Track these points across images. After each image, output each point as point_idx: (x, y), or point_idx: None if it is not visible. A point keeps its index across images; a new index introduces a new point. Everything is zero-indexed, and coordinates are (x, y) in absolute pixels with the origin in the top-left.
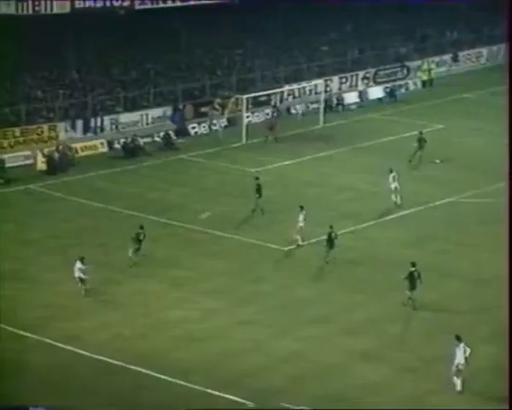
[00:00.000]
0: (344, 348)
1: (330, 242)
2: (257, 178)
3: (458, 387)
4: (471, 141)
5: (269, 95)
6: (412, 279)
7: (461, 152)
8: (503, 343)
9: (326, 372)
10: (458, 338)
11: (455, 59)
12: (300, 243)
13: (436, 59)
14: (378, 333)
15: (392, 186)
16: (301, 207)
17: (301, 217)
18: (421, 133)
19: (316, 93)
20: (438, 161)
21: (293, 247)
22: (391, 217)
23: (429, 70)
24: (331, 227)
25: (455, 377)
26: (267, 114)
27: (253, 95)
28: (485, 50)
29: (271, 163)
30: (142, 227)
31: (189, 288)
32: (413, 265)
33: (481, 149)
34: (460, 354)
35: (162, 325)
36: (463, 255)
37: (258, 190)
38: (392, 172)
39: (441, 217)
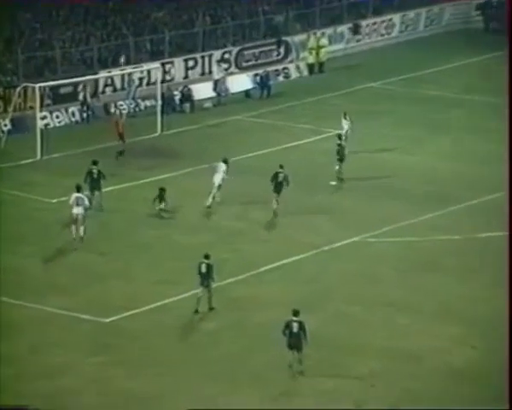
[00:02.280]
0: None
1: (203, 276)
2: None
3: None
4: (383, 153)
5: (75, 84)
6: (292, 334)
7: (369, 169)
8: None
9: None
10: None
11: (355, 31)
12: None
13: (328, 31)
14: None
15: (217, 182)
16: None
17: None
18: (281, 167)
19: (149, 84)
20: (334, 182)
21: (118, 316)
22: (268, 267)
23: (318, 48)
24: (206, 257)
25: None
26: (73, 115)
27: (49, 84)
28: (397, 18)
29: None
30: None
31: None
32: (295, 313)
33: (399, 163)
34: None
35: None
36: (376, 320)
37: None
38: (226, 162)
39: (341, 265)
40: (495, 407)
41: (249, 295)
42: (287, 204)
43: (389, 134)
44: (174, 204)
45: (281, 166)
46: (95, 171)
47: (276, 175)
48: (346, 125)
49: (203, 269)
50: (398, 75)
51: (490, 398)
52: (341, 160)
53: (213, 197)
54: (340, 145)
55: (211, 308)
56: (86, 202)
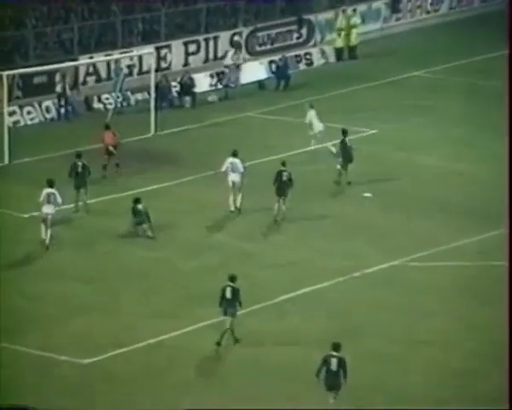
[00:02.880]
0: None
1: (228, 303)
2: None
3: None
4: (423, 157)
5: (51, 73)
6: (329, 372)
7: (406, 176)
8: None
9: None
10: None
11: (394, 7)
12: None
13: (361, 8)
14: None
15: (233, 179)
16: None
17: None
18: (283, 164)
19: (141, 72)
20: (368, 194)
21: (103, 356)
22: (286, 296)
23: (349, 28)
24: (232, 279)
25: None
26: (48, 110)
27: (19, 71)
28: None
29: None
30: None
31: None
32: (335, 348)
33: (443, 170)
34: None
35: None
36: (418, 361)
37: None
38: (235, 156)
39: (377, 294)
40: (495, 407)
41: (265, 331)
42: (305, 220)
43: (432, 134)
44: (170, 219)
45: (283, 164)
46: (79, 164)
47: (279, 174)
48: (314, 119)
49: (228, 294)
50: (447, 62)
51: None
52: (350, 160)
53: (240, 201)
54: (343, 143)
55: (236, 340)
56: (59, 200)
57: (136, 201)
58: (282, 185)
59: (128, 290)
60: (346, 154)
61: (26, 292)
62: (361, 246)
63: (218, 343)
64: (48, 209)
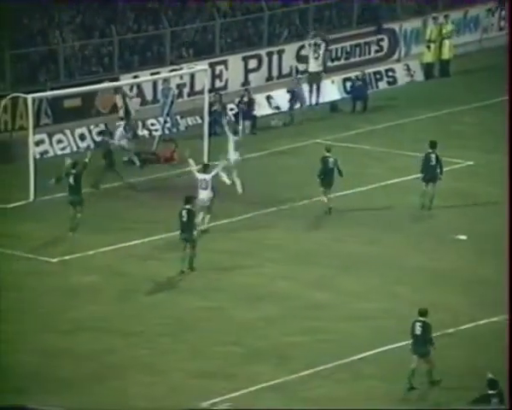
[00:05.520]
0: None
1: (417, 341)
2: None
3: None
4: None
5: (86, 95)
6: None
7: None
8: None
9: None
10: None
11: (498, 15)
12: None
13: (455, 15)
14: None
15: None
16: None
17: None
18: (328, 150)
19: (192, 93)
20: (462, 236)
21: None
22: (368, 353)
23: (441, 40)
24: (422, 314)
25: None
26: (82, 138)
27: (48, 94)
28: None
29: (94, 246)
30: None
31: None
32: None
33: None
34: None
35: None
36: None
37: None
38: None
39: (471, 356)
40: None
41: (336, 395)
42: (387, 263)
43: None
44: (224, 263)
45: (327, 149)
46: None
47: (324, 161)
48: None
49: (417, 330)
50: None
51: None
52: (431, 180)
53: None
54: (427, 157)
55: (434, 382)
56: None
57: (188, 201)
58: (329, 173)
59: (174, 346)
60: (428, 171)
61: (50, 348)
62: (453, 297)
63: (411, 388)
64: (203, 195)
